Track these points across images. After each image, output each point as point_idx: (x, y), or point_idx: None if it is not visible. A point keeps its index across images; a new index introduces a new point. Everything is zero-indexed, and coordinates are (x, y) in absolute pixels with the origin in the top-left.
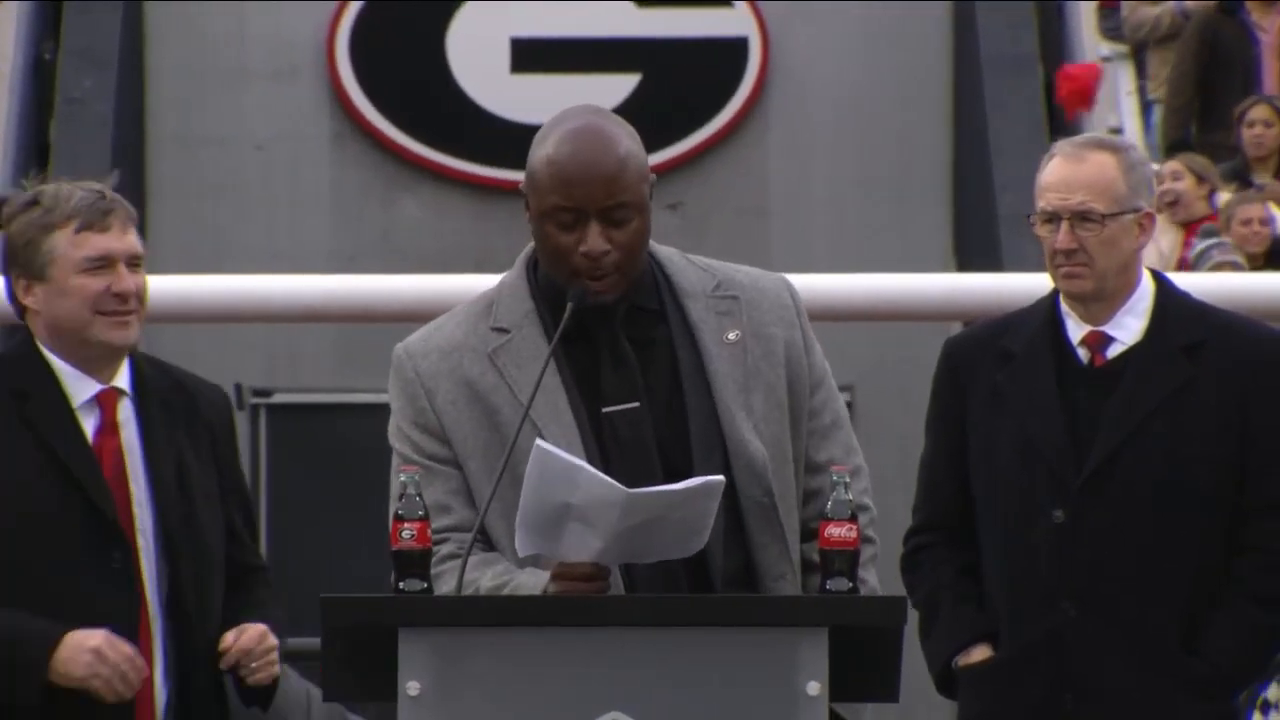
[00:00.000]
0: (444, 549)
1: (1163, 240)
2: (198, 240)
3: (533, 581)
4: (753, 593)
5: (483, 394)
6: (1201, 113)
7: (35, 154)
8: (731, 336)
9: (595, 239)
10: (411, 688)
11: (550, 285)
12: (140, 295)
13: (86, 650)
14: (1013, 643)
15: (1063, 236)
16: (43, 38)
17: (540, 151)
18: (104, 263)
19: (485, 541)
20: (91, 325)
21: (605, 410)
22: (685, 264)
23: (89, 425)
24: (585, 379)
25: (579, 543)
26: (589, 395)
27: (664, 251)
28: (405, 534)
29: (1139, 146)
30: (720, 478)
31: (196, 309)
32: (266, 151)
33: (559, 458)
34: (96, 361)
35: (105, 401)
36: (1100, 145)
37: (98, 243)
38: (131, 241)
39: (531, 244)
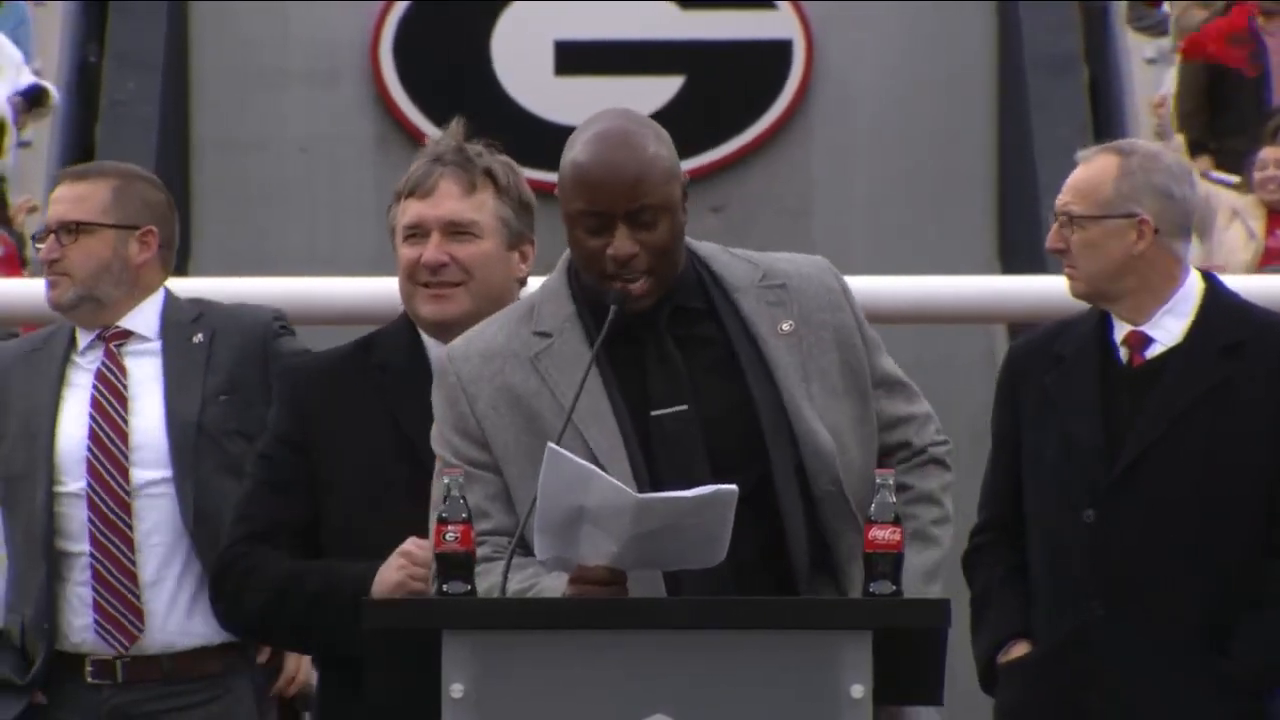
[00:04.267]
0: (480, 551)
1: (1251, 222)
2: (241, 243)
3: (556, 585)
4: (833, 579)
5: (524, 399)
6: (1213, 118)
7: (80, 156)
8: (785, 327)
9: (622, 242)
10: (455, 690)
11: (591, 289)
12: (465, 266)
13: (395, 557)
14: (1044, 640)
15: (1050, 235)
16: (87, 40)
17: (568, 156)
18: (417, 231)
19: (523, 547)
20: (412, 297)
21: (654, 413)
22: (729, 258)
23: None
24: (630, 382)
25: (594, 546)
26: (634, 398)
27: (705, 248)
28: (449, 536)
29: (1177, 146)
30: (733, 487)
31: None
32: (310, 154)
33: (571, 461)
34: (435, 334)
35: None
36: (1114, 149)
37: (413, 210)
38: (449, 208)
39: None
